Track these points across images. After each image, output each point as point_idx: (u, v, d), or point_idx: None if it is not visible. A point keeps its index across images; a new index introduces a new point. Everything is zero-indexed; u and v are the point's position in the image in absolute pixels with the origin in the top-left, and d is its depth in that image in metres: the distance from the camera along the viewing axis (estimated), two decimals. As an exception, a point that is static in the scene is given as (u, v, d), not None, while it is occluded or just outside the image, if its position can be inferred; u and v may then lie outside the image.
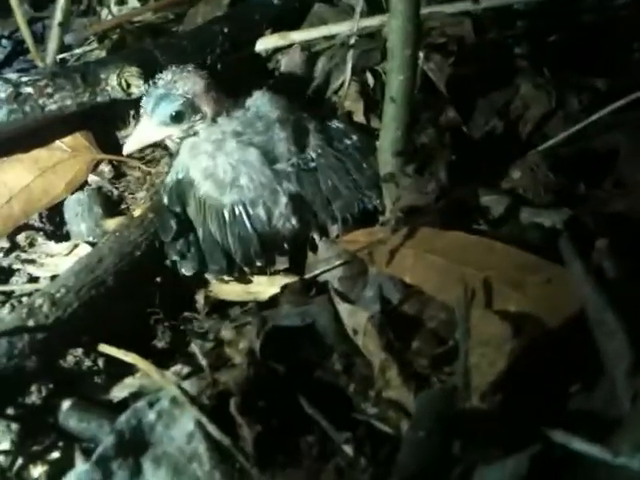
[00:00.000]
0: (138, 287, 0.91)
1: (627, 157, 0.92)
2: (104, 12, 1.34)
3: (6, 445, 0.79)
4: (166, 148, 1.10)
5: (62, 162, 1.07)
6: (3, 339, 0.77)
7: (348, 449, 0.68)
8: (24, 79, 1.04)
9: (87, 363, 0.85)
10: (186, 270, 0.90)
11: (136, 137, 0.96)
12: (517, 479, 0.55)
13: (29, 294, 0.94)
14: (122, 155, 1.06)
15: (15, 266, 1.02)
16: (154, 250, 0.92)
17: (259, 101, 0.97)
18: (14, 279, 1.01)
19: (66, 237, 1.06)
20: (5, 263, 1.02)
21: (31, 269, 1.01)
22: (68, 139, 1.09)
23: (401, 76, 0.85)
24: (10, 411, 0.80)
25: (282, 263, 0.93)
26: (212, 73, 0.95)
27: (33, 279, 1.00)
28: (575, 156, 0.94)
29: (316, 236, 0.93)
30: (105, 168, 1.10)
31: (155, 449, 0.70)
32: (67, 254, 1.01)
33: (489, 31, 1.08)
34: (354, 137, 0.98)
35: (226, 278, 0.92)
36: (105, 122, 1.12)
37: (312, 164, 0.94)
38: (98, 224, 1.04)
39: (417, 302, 0.79)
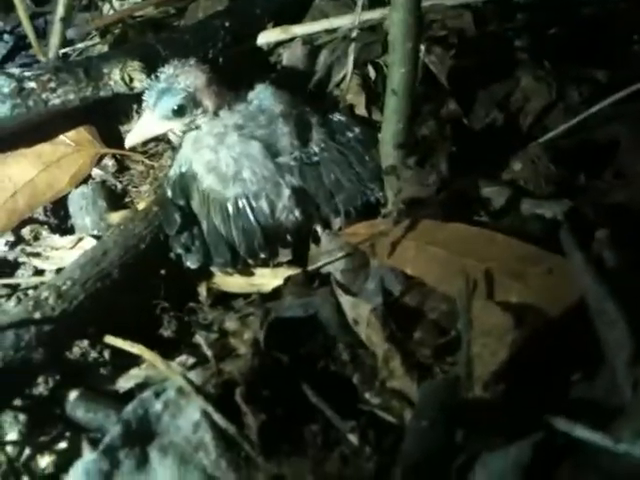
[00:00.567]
0: (143, 279, 0.92)
1: (627, 148, 0.93)
2: (106, 7, 1.34)
3: (14, 436, 0.80)
4: (169, 142, 1.10)
5: (66, 156, 1.08)
6: (10, 331, 0.78)
7: (353, 438, 0.69)
8: (27, 74, 1.04)
9: (93, 354, 0.86)
10: (191, 263, 0.91)
11: (138, 130, 0.96)
12: (520, 467, 0.56)
13: (34, 287, 0.95)
14: (125, 149, 1.07)
15: (20, 259, 1.03)
16: (159, 243, 0.92)
17: (262, 94, 0.97)
18: (19, 272, 1.02)
19: (71, 230, 1.06)
20: (10, 256, 1.03)
21: (36, 262, 1.02)
22: (72, 133, 1.09)
23: (402, 69, 0.85)
24: (17, 402, 0.81)
25: (285, 255, 0.94)
26: (214, 67, 0.96)
27: (38, 272, 1.01)
28: (575, 148, 0.94)
29: (319, 228, 0.94)
30: (109, 162, 1.11)
31: (161, 439, 0.71)
32: (72, 247, 1.01)
33: (490, 23, 1.08)
34: (356, 130, 0.99)
35: (230, 270, 0.93)
36: (108, 116, 1.12)
37: (315, 158, 0.95)
38: (102, 217, 1.05)
39: (418, 293, 0.80)
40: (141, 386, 0.79)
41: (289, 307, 0.84)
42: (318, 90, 1.12)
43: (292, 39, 1.17)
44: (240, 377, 0.73)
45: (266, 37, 1.20)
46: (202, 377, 0.75)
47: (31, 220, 1.06)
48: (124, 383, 0.82)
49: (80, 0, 1.40)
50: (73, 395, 0.79)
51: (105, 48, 1.25)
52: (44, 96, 1.03)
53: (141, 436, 0.71)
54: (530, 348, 0.67)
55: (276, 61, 1.18)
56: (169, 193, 0.94)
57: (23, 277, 1.00)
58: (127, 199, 1.08)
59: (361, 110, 1.07)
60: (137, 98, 1.05)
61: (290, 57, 1.16)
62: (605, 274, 0.67)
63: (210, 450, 0.70)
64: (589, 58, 1.02)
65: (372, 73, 1.09)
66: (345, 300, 0.82)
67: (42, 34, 1.32)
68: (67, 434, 0.79)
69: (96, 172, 1.10)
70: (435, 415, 0.65)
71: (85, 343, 0.87)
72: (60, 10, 1.19)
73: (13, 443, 0.79)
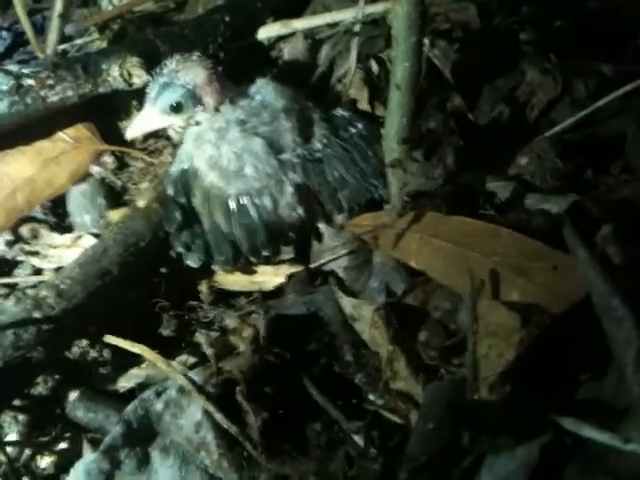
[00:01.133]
0: (143, 278, 0.91)
1: (634, 142, 0.92)
2: (104, 2, 1.33)
3: (14, 436, 0.79)
4: (169, 138, 1.09)
5: (65, 153, 1.06)
6: (9, 330, 0.77)
7: (358, 438, 0.68)
8: (25, 71, 1.02)
9: (93, 354, 0.86)
10: (192, 262, 0.89)
11: (138, 124, 0.95)
12: (528, 468, 0.55)
13: (33, 286, 0.94)
14: (125, 146, 1.06)
15: (19, 258, 1.02)
16: (159, 241, 0.91)
17: (264, 90, 0.96)
18: (18, 271, 1.01)
19: (69, 229, 1.05)
20: (9, 255, 1.02)
21: (35, 261, 1.01)
22: (71, 130, 1.08)
23: (406, 63, 0.84)
24: (17, 402, 0.80)
25: (287, 253, 0.93)
26: (216, 62, 0.94)
27: (37, 271, 1.00)
28: (582, 142, 0.93)
29: (322, 225, 0.92)
30: (108, 159, 1.09)
31: (163, 438, 0.70)
32: (71, 245, 1.00)
33: (494, 17, 1.07)
34: (359, 125, 0.98)
35: (232, 268, 0.92)
36: (108, 113, 1.11)
37: (318, 154, 0.94)
38: (102, 215, 1.03)
39: (422, 292, 0.79)
40: (142, 385, 0.78)
41: (291, 305, 0.83)
42: (320, 85, 1.11)
43: (293, 33, 1.16)
44: (240, 375, 0.72)
45: (267, 32, 1.19)
46: (203, 376, 0.74)
47: (30, 218, 1.05)
48: (125, 383, 0.81)
49: (78, -4, 1.39)
50: (73, 395, 0.79)
51: (103, 44, 1.24)
52: (42, 93, 1.01)
53: (142, 436, 0.70)
54: (537, 348, 0.65)
55: (277, 56, 1.17)
56: (170, 190, 0.92)
57: (22, 276, 0.99)
58: (127, 196, 1.07)
59: (364, 105, 1.05)
60: (136, 94, 1.04)
61: (291, 51, 1.15)
62: (610, 270, 0.66)
63: (212, 450, 0.69)
64: (595, 51, 1.01)
65: (375, 68, 1.08)
66: (346, 302, 0.81)
67: (40, 31, 1.31)
68: (67, 434, 0.79)
69: (95, 169, 1.08)
70: (440, 417, 0.64)
71: (85, 342, 0.87)
72: (58, 6, 1.18)
73: (13, 443, 0.79)
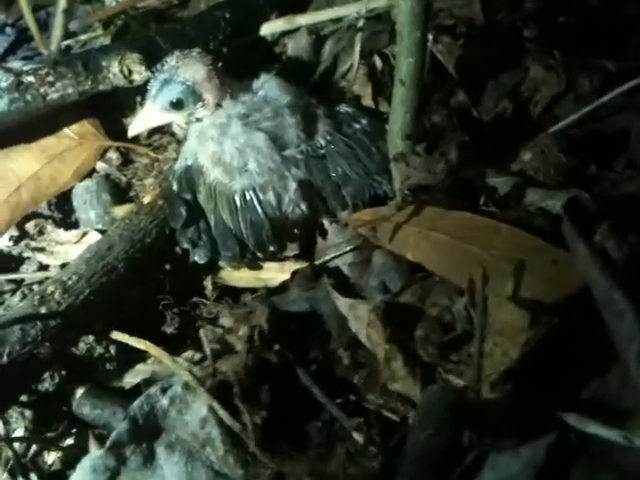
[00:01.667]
0: (149, 274, 0.91)
1: (638, 138, 0.91)
2: (108, -2, 1.33)
3: (20, 432, 0.80)
4: (173, 134, 1.10)
5: (70, 150, 1.07)
6: (15, 326, 0.78)
7: (358, 436, 0.68)
8: (25, 68, 1.03)
9: (99, 350, 0.86)
10: (198, 258, 0.90)
11: (140, 121, 0.95)
12: (533, 469, 0.55)
13: (39, 282, 0.95)
14: (130, 142, 1.06)
15: (25, 254, 1.02)
16: (164, 237, 0.92)
17: (267, 85, 0.95)
18: (24, 267, 1.02)
19: (75, 225, 1.06)
20: (15, 251, 1.03)
21: (41, 257, 1.01)
22: (75, 126, 1.08)
23: (410, 58, 0.84)
24: (24, 398, 0.81)
25: (292, 249, 0.93)
26: (217, 58, 0.94)
27: (43, 267, 1.01)
28: (586, 138, 0.93)
29: (326, 222, 0.92)
30: (113, 155, 1.10)
31: (168, 435, 0.71)
32: (76, 242, 1.01)
33: (498, 13, 1.07)
34: (363, 121, 0.98)
35: (238, 264, 0.92)
36: (112, 109, 1.11)
37: (321, 151, 0.94)
38: (107, 211, 1.04)
39: (420, 288, 0.78)
40: (147, 382, 0.79)
41: (293, 301, 0.84)
42: (324, 81, 1.10)
43: (297, 29, 1.16)
44: (234, 377, 0.72)
45: (270, 28, 1.18)
46: (204, 374, 0.74)
47: (35, 215, 1.06)
48: (130, 379, 0.82)
49: (82, -8, 1.38)
50: (79, 392, 0.79)
51: (107, 40, 1.24)
52: (42, 90, 1.01)
53: (148, 432, 0.70)
54: (542, 347, 0.65)
55: (281, 52, 1.17)
56: (175, 187, 0.93)
57: (27, 272, 1.00)
58: (132, 192, 1.07)
59: (368, 101, 1.05)
60: (140, 90, 1.04)
61: (295, 47, 1.14)
62: (610, 265, 0.65)
63: (217, 446, 0.69)
64: (599, 47, 1.01)
65: (379, 63, 1.08)
66: (341, 302, 0.81)
67: (44, 27, 1.30)
68: (73, 430, 0.79)
69: (100, 165, 1.09)
70: (439, 421, 0.63)
71: (91, 339, 0.87)
72: (62, 2, 1.17)
73: (20, 439, 0.79)
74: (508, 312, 0.67)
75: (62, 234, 1.03)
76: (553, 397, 0.63)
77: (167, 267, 0.93)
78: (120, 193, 1.07)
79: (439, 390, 0.68)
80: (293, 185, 0.91)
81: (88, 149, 1.08)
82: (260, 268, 0.93)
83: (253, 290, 0.92)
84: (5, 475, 0.76)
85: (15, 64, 1.05)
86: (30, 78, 1.01)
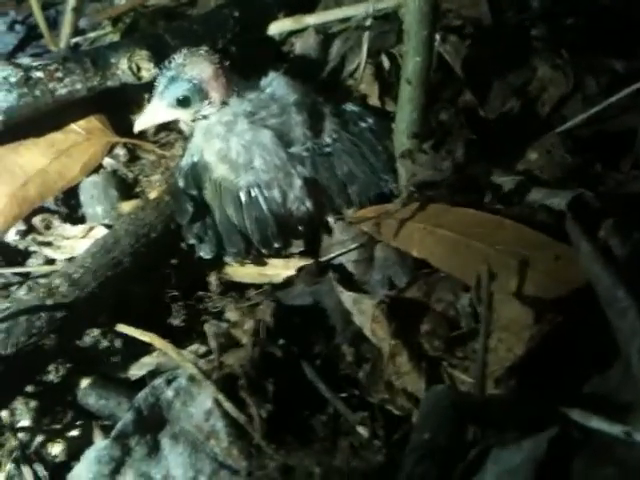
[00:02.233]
0: (154, 268, 0.91)
1: (645, 139, 0.92)
2: (117, -4, 1.34)
3: (26, 422, 0.80)
4: (180, 132, 1.10)
5: (77, 145, 1.07)
6: (22, 318, 0.78)
7: (362, 430, 0.68)
8: (34, 64, 1.03)
9: (105, 343, 0.86)
10: (204, 253, 0.90)
11: (146, 116, 0.96)
12: (534, 462, 0.55)
13: (46, 275, 0.95)
14: (137, 138, 1.07)
15: (31, 248, 1.02)
16: (170, 232, 0.92)
17: (274, 83, 0.96)
18: (30, 261, 1.02)
19: (82, 220, 1.06)
20: (22, 246, 1.03)
21: (47, 252, 1.02)
22: (83, 122, 1.08)
23: (417, 58, 0.85)
24: (29, 389, 0.81)
25: (298, 246, 0.93)
26: (224, 56, 0.94)
27: (49, 261, 1.01)
28: (592, 138, 0.93)
29: (331, 219, 0.93)
30: (120, 151, 1.10)
31: (173, 426, 0.71)
32: (83, 237, 1.01)
33: (506, 13, 1.07)
34: (369, 120, 0.98)
35: (243, 260, 0.92)
36: (120, 106, 1.11)
37: (327, 149, 0.94)
38: (114, 207, 1.04)
39: (425, 284, 0.79)
40: (153, 374, 0.79)
41: (298, 295, 0.84)
42: (331, 80, 1.11)
43: (305, 29, 1.16)
44: (240, 370, 0.72)
45: (278, 27, 1.19)
46: (209, 367, 0.74)
47: (42, 209, 1.06)
48: (136, 371, 0.82)
49: (91, -10, 1.39)
50: (85, 382, 0.79)
51: (116, 38, 1.25)
52: (51, 86, 1.02)
53: (152, 423, 0.71)
54: (546, 344, 0.65)
55: (289, 50, 1.18)
56: (181, 183, 0.93)
57: (34, 266, 1.00)
58: (138, 188, 1.07)
59: (374, 100, 1.06)
60: (148, 87, 1.04)
61: (303, 46, 1.15)
62: (613, 262, 0.66)
63: (222, 438, 0.69)
64: (607, 48, 1.01)
65: (386, 63, 1.08)
66: (346, 296, 0.81)
67: (53, 24, 1.31)
68: (78, 422, 0.79)
69: (107, 161, 1.09)
70: (441, 420, 0.62)
71: (97, 332, 0.87)
72: (71, 0, 1.19)
73: (25, 430, 0.79)
74: (513, 308, 0.68)
75: (69, 229, 1.03)
76: (556, 392, 0.63)
77: (173, 262, 0.93)
78: (127, 189, 1.07)
79: (443, 389, 0.68)
80: (298, 182, 0.91)
81: (95, 145, 1.08)
82: (265, 264, 0.93)
83: (258, 286, 0.92)
84: (10, 465, 0.76)
85: (24, 60, 1.05)
86: (39, 73, 1.01)
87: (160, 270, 0.92)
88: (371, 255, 0.88)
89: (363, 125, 0.98)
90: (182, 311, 0.88)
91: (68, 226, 1.03)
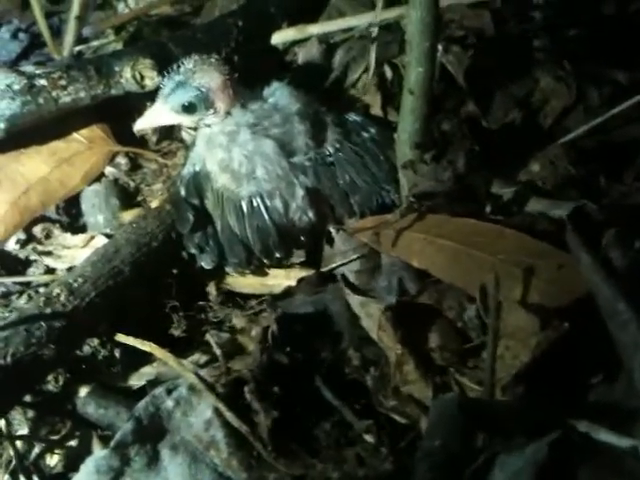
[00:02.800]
0: (155, 277, 0.91)
1: (649, 150, 0.91)
2: (121, 5, 1.34)
3: (24, 432, 0.79)
4: (182, 141, 1.10)
5: (79, 154, 1.07)
6: (21, 327, 0.77)
7: (369, 438, 0.68)
8: (38, 71, 1.03)
9: (104, 352, 0.86)
10: (205, 264, 0.90)
11: (148, 117, 0.95)
12: (536, 465, 0.55)
13: (45, 285, 0.94)
14: (139, 147, 1.07)
15: (32, 257, 1.02)
16: (171, 241, 0.92)
17: (278, 93, 0.96)
18: (31, 270, 1.01)
19: (83, 229, 1.06)
20: (22, 255, 1.03)
21: (48, 261, 1.01)
22: (85, 131, 1.08)
23: (420, 68, 0.84)
24: (28, 398, 0.80)
25: (299, 256, 0.93)
26: (233, 67, 0.94)
27: (49, 271, 1.01)
28: (595, 149, 0.93)
29: (333, 230, 0.92)
30: (122, 160, 1.10)
31: (173, 436, 0.70)
32: (83, 246, 1.01)
33: (509, 24, 1.07)
34: (372, 130, 0.98)
35: (244, 270, 0.92)
36: (122, 114, 1.11)
37: (330, 159, 0.94)
38: (115, 216, 1.04)
39: (435, 291, 0.78)
40: (153, 383, 0.78)
41: (300, 305, 0.84)
42: (334, 90, 1.11)
43: (308, 39, 1.16)
44: (249, 374, 0.72)
45: (281, 37, 1.18)
46: (212, 375, 0.74)
47: (43, 218, 1.06)
48: (136, 381, 0.82)
49: (95, -2, 1.39)
50: (84, 391, 0.79)
51: (119, 46, 1.25)
52: (54, 94, 1.01)
53: (152, 433, 0.70)
54: (553, 351, 0.65)
55: (291, 60, 1.17)
56: (182, 192, 0.93)
57: (34, 275, 1.00)
58: (140, 197, 1.07)
59: (377, 110, 1.05)
60: (150, 96, 1.04)
61: (306, 56, 1.15)
62: (614, 274, 0.65)
63: (222, 448, 0.69)
64: (609, 59, 1.01)
65: (389, 73, 1.08)
66: (354, 300, 0.81)
67: (57, 33, 1.32)
68: (77, 432, 0.79)
69: (109, 170, 1.09)
70: (450, 429, 0.62)
71: (96, 342, 0.87)
72: (75, 8, 1.19)
73: (23, 439, 0.79)
74: (518, 316, 0.68)
75: (69, 238, 1.03)
76: (562, 400, 0.63)
77: (173, 271, 0.93)
78: (128, 198, 1.07)
79: (451, 396, 0.68)
80: (300, 192, 0.91)
81: (97, 153, 1.08)
82: (266, 274, 0.93)
83: (258, 296, 0.92)
84: (6, 477, 0.76)
85: (28, 68, 1.06)
86: (43, 81, 1.01)
87: (161, 280, 0.91)
88: (373, 265, 0.88)
89: (365, 135, 0.98)
90: (183, 321, 0.88)
91: (68, 235, 1.03)
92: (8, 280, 0.99)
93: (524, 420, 0.61)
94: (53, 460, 0.78)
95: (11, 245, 1.03)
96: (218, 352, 0.78)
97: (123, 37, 1.26)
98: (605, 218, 0.79)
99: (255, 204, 0.90)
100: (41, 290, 0.93)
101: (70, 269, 0.96)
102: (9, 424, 0.80)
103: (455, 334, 0.74)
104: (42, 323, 0.78)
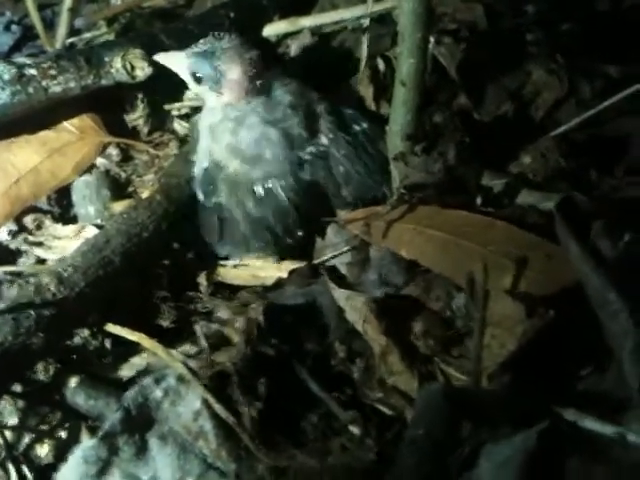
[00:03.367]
0: (146, 268, 0.91)
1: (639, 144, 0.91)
2: (113, -4, 1.33)
3: (13, 422, 0.79)
4: (174, 132, 1.10)
5: (70, 144, 1.06)
6: (8, 316, 0.77)
7: (354, 429, 0.68)
8: (28, 61, 1.03)
9: (95, 343, 0.85)
10: (235, 258, 0.92)
11: (168, 57, 0.96)
12: (525, 454, 0.55)
13: (36, 275, 0.94)
14: (130, 138, 1.07)
15: (22, 248, 1.01)
16: (162, 232, 0.92)
17: (273, 85, 0.95)
18: (21, 261, 1.01)
19: (73, 220, 1.05)
20: (12, 246, 1.02)
21: (38, 251, 1.01)
22: (76, 121, 1.07)
23: (411, 59, 0.84)
24: (18, 389, 0.80)
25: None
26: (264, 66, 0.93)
27: (40, 261, 1.00)
28: (586, 142, 0.93)
29: (325, 221, 0.92)
30: (113, 151, 1.09)
31: (161, 426, 0.70)
32: (74, 237, 1.00)
33: (501, 17, 1.07)
34: (364, 124, 0.98)
35: (272, 253, 0.92)
36: (113, 105, 1.11)
37: (324, 149, 0.94)
38: (106, 207, 1.04)
39: (423, 281, 0.78)
40: (142, 374, 0.78)
41: (290, 296, 0.84)
42: (327, 82, 1.10)
43: (300, 31, 1.16)
44: (232, 367, 0.72)
45: (273, 29, 1.18)
46: (198, 367, 0.74)
47: (34, 209, 1.05)
48: (126, 371, 0.81)
49: (87, -10, 1.39)
50: (73, 382, 0.78)
51: (112, 38, 1.24)
52: (44, 83, 1.01)
53: (141, 423, 0.70)
54: (539, 340, 0.65)
55: (284, 52, 1.17)
56: (200, 195, 0.93)
57: (25, 265, 0.99)
58: (131, 188, 1.07)
59: (369, 103, 1.05)
60: (142, 87, 1.05)
61: (298, 48, 1.15)
62: (603, 264, 0.65)
63: (210, 439, 0.69)
64: (601, 53, 1.01)
65: (381, 66, 1.08)
66: (338, 293, 0.81)
67: (50, 25, 1.31)
68: (67, 422, 0.78)
69: (100, 161, 1.09)
70: (435, 417, 0.62)
71: (87, 332, 0.86)
72: (67, 0, 1.19)
73: (12, 430, 0.78)
74: (505, 304, 0.68)
75: (60, 229, 1.02)
76: (550, 390, 0.63)
77: (164, 262, 0.93)
78: (119, 189, 1.06)
79: (437, 386, 0.68)
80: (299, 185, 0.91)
81: (88, 144, 1.07)
82: (257, 267, 0.93)
83: (250, 288, 0.91)
84: (-5, 467, 0.76)
85: (18, 58, 1.05)
86: (32, 71, 1.01)
87: (151, 270, 0.91)
88: (364, 257, 0.87)
89: (357, 128, 0.97)
90: (173, 311, 0.87)
91: (59, 226, 1.03)
92: (-1, 270, 0.98)
93: (510, 409, 0.61)
94: (43, 450, 0.78)
95: (2, 235, 1.02)
96: (203, 343, 0.78)
97: (115, 29, 1.25)
98: (594, 210, 0.79)
99: (269, 185, 0.90)
100: (31, 280, 0.92)
101: (61, 259, 0.95)
102: (-1, 413, 0.80)
103: (440, 323, 0.74)
104: (31, 312, 0.78)
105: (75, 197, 1.06)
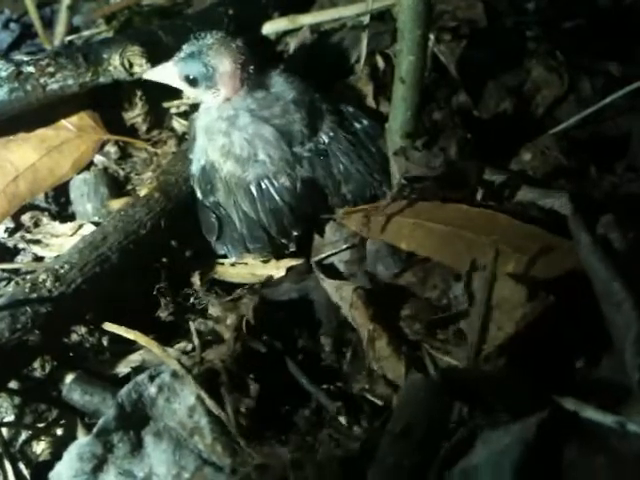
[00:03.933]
0: (143, 265, 0.90)
1: (639, 141, 0.91)
2: (112, -6, 1.33)
3: (10, 419, 0.78)
4: (172, 130, 1.10)
5: (68, 142, 1.06)
6: (5, 312, 0.77)
7: (342, 419, 0.68)
8: (26, 58, 1.02)
9: (91, 340, 0.85)
10: (235, 257, 0.91)
11: (157, 72, 0.95)
12: (523, 443, 0.54)
13: (33, 272, 0.94)
14: (129, 136, 1.06)
15: (20, 246, 1.01)
16: (159, 229, 0.91)
17: (273, 81, 0.95)
18: (19, 258, 1.01)
19: (71, 217, 1.05)
20: (10, 243, 1.02)
21: (36, 249, 1.01)
22: (74, 119, 1.07)
23: (411, 56, 0.84)
24: (14, 385, 0.80)
25: (290, 246, 0.92)
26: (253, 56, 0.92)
27: (38, 259, 1.00)
28: (587, 140, 0.93)
29: (324, 219, 0.92)
30: (111, 149, 1.09)
31: (156, 423, 0.70)
32: (72, 234, 1.00)
33: (502, 15, 1.07)
34: (364, 122, 0.97)
35: (268, 255, 0.92)
36: (111, 103, 1.10)
37: (324, 147, 0.93)
38: (104, 204, 1.03)
39: (420, 270, 0.78)
40: (138, 371, 0.77)
41: (284, 292, 0.84)
42: (326, 80, 1.10)
43: (299, 28, 1.16)
44: (221, 365, 0.72)
45: (273, 27, 1.18)
46: (190, 364, 0.74)
47: (31, 206, 1.05)
48: (122, 368, 0.81)
49: (86, -12, 1.39)
50: (70, 377, 0.78)
51: (110, 35, 1.24)
52: (42, 81, 1.01)
53: (135, 420, 0.69)
54: (539, 325, 0.65)
55: (283, 50, 1.17)
56: (198, 193, 0.93)
57: (22, 263, 0.99)
58: (129, 186, 1.07)
59: (369, 101, 1.05)
60: (140, 84, 1.04)
61: (298, 46, 1.14)
62: (611, 256, 0.65)
63: (205, 434, 0.68)
64: (601, 50, 1.01)
65: (381, 63, 1.08)
66: (328, 284, 0.81)
67: (48, 23, 1.31)
68: (63, 418, 0.78)
69: (98, 159, 1.09)
70: (423, 399, 0.61)
71: (83, 329, 0.86)
72: (66, -1, 1.19)
73: (8, 425, 0.78)
74: (505, 287, 0.67)
75: (57, 226, 1.02)
76: (548, 377, 0.62)
77: (161, 260, 0.92)
78: (117, 186, 1.06)
79: (422, 377, 0.67)
80: (297, 182, 0.90)
81: (87, 142, 1.07)
82: (256, 265, 0.93)
83: (247, 286, 0.91)
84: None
85: (16, 56, 1.05)
86: (30, 68, 1.00)
87: (149, 267, 0.91)
88: (363, 255, 0.87)
89: (358, 126, 0.97)
90: (170, 309, 0.87)
91: (57, 224, 1.02)
92: (-4, 267, 0.98)
93: (507, 395, 0.61)
94: (39, 447, 0.78)
95: (-1, 233, 1.03)
96: (195, 341, 0.78)
97: (114, 26, 1.26)
98: (602, 204, 0.79)
99: (264, 186, 0.90)
100: (28, 277, 0.92)
101: (58, 257, 0.95)
102: (-5, 410, 0.80)
103: (428, 307, 0.74)
104: (27, 308, 0.78)
105: (73, 195, 1.06)
